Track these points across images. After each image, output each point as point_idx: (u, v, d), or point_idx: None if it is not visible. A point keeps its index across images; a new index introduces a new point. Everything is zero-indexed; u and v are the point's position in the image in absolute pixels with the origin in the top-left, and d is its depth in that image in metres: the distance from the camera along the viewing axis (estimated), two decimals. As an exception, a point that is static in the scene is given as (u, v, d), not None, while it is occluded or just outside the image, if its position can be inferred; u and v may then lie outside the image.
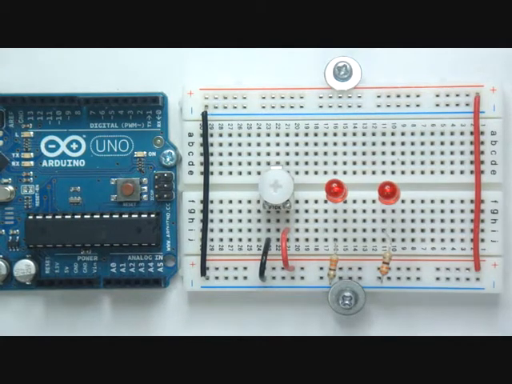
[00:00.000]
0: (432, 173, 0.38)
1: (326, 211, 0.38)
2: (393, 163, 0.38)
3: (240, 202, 0.39)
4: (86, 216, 0.39)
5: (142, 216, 0.39)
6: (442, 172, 0.38)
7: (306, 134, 0.38)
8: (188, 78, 0.39)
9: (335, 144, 0.38)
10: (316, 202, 0.38)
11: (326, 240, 0.38)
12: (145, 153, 0.39)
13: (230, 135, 0.39)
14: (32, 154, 0.40)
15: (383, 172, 0.38)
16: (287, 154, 0.38)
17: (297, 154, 0.38)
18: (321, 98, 0.38)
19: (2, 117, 0.40)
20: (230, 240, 0.39)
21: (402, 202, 0.38)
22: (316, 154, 0.38)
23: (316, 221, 0.38)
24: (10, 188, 0.40)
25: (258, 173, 0.38)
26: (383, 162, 0.38)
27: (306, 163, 0.38)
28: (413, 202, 0.38)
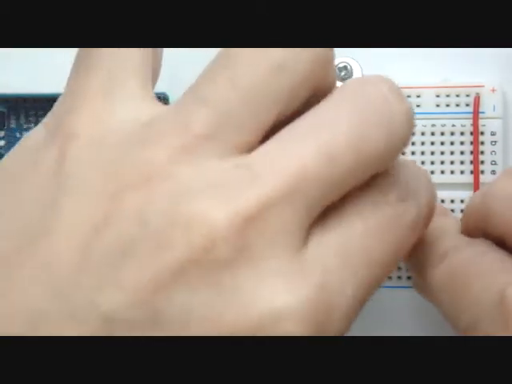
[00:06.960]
0: (432, 173, 0.38)
1: (326, 211, 0.38)
2: (393, 163, 0.38)
3: (241, 202, 0.39)
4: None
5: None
6: (443, 172, 0.38)
7: (307, 134, 0.38)
8: (190, 77, 0.39)
9: (335, 144, 0.38)
10: (316, 202, 0.38)
11: (326, 240, 0.38)
12: (145, 153, 0.39)
13: (231, 135, 0.39)
14: (33, 154, 0.40)
15: (383, 172, 0.38)
16: (288, 154, 0.38)
17: (297, 154, 0.38)
18: (321, 98, 0.38)
19: (4, 117, 0.40)
20: (231, 240, 0.39)
21: (403, 201, 0.38)
22: (316, 154, 0.38)
23: (316, 221, 0.38)
24: (12, 188, 0.40)
25: (259, 173, 0.38)
26: (383, 162, 0.38)
27: (307, 163, 0.38)
28: (413, 201, 0.38)
